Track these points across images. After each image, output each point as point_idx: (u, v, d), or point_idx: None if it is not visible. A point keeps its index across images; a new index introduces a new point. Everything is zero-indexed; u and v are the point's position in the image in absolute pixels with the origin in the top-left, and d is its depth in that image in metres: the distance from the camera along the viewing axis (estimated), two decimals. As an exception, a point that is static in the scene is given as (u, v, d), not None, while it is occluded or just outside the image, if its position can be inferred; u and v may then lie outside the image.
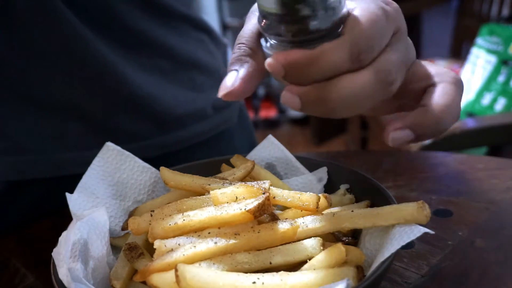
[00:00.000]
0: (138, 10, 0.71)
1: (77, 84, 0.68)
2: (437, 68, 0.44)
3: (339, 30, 0.39)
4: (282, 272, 0.40)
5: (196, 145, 0.82)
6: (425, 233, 0.41)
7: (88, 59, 0.66)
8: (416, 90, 0.44)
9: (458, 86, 0.43)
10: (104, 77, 0.68)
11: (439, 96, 0.41)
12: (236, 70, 0.41)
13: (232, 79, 0.40)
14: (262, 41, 0.42)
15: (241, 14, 3.94)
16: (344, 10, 0.39)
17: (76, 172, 0.69)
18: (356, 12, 0.38)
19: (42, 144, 0.69)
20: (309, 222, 0.45)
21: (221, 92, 0.40)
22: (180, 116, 0.78)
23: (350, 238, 0.50)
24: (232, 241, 0.41)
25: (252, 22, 0.43)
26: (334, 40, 0.38)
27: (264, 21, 0.40)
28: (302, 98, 0.39)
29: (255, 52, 0.42)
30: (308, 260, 0.42)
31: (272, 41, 0.41)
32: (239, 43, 0.42)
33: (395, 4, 0.42)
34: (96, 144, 0.67)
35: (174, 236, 0.44)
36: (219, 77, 0.86)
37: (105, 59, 0.67)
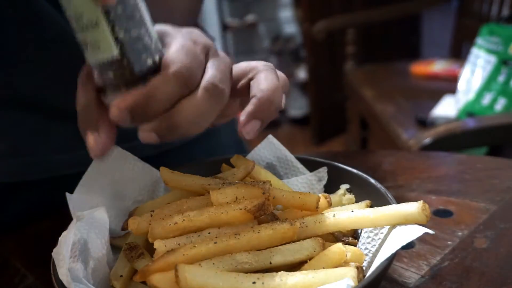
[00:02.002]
0: None
1: (62, 87, 0.68)
2: (251, 62, 0.52)
3: (158, 64, 0.45)
4: (282, 272, 0.40)
5: (186, 144, 0.82)
6: (425, 233, 0.41)
7: (69, 62, 0.66)
8: (244, 86, 0.51)
9: (273, 71, 0.50)
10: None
11: (263, 83, 0.48)
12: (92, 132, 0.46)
13: (97, 144, 0.46)
14: (102, 97, 0.46)
15: (241, 14, 3.94)
16: (160, 47, 0.46)
17: (69, 172, 0.69)
18: (173, 48, 0.45)
19: (33, 146, 0.69)
20: (309, 222, 0.45)
21: (93, 156, 0.46)
22: None
23: (350, 238, 0.50)
24: (232, 241, 0.41)
25: (86, 87, 0.47)
26: (157, 74, 0.44)
27: (96, 73, 0.46)
28: (156, 132, 0.44)
29: (99, 111, 0.46)
30: (308, 260, 0.42)
31: (109, 92, 0.45)
32: (81, 108, 0.47)
33: (196, 30, 0.49)
34: (83, 145, 0.67)
35: (174, 236, 0.44)
36: None
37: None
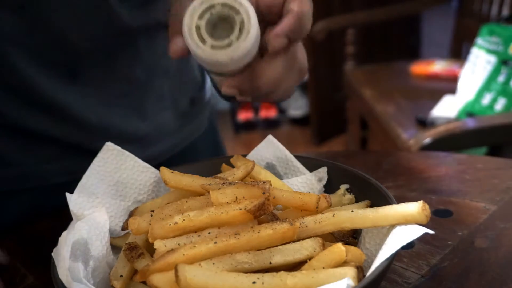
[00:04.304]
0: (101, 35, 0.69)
1: (29, 114, 0.68)
2: None
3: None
4: (282, 272, 0.40)
5: (175, 155, 0.83)
6: (425, 233, 0.41)
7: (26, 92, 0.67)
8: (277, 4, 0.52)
9: None
10: (50, 109, 0.69)
11: (298, 5, 0.50)
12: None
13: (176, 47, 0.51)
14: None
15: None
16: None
17: (59, 181, 0.70)
18: None
19: (23, 158, 0.70)
20: (309, 222, 0.45)
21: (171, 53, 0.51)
22: (150, 134, 0.79)
23: (350, 238, 0.50)
24: (232, 241, 0.41)
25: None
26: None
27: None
28: (238, 88, 0.53)
29: None
30: (308, 260, 0.42)
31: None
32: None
33: None
34: (71, 155, 0.70)
35: (174, 236, 0.44)
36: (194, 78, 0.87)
37: (40, 87, 0.66)
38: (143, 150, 0.77)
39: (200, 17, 0.48)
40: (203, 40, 0.48)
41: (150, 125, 0.79)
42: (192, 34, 0.48)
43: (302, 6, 0.50)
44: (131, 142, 0.76)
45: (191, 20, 0.48)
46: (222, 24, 0.49)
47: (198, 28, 0.48)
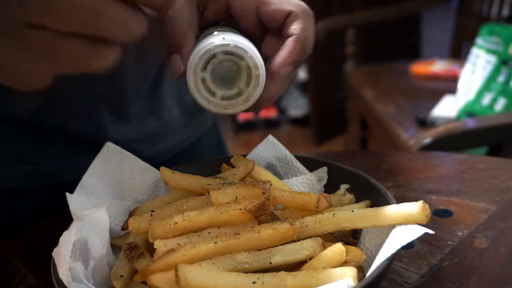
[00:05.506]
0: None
1: (59, 111, 0.69)
2: (286, 6, 0.52)
3: None
4: (282, 272, 0.40)
5: (180, 152, 0.83)
6: (425, 233, 0.41)
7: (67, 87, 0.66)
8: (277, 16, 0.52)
9: (311, 17, 0.52)
10: (67, 108, 0.69)
11: (301, 30, 0.50)
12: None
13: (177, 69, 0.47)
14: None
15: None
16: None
17: (67, 179, 0.69)
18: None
19: (35, 156, 0.70)
20: (309, 222, 0.45)
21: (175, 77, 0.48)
22: (158, 132, 0.79)
23: (350, 238, 0.50)
24: (232, 241, 0.41)
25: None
26: None
27: None
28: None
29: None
30: (308, 260, 0.42)
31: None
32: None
33: None
34: (82, 152, 0.68)
35: (174, 236, 0.44)
36: None
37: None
38: (150, 148, 0.77)
39: (203, 69, 0.45)
40: (212, 93, 0.46)
41: (159, 122, 0.79)
42: (199, 89, 0.46)
43: (305, 31, 0.49)
44: (139, 140, 0.76)
45: (195, 76, 0.45)
46: (224, 67, 0.46)
47: (203, 80, 0.46)
